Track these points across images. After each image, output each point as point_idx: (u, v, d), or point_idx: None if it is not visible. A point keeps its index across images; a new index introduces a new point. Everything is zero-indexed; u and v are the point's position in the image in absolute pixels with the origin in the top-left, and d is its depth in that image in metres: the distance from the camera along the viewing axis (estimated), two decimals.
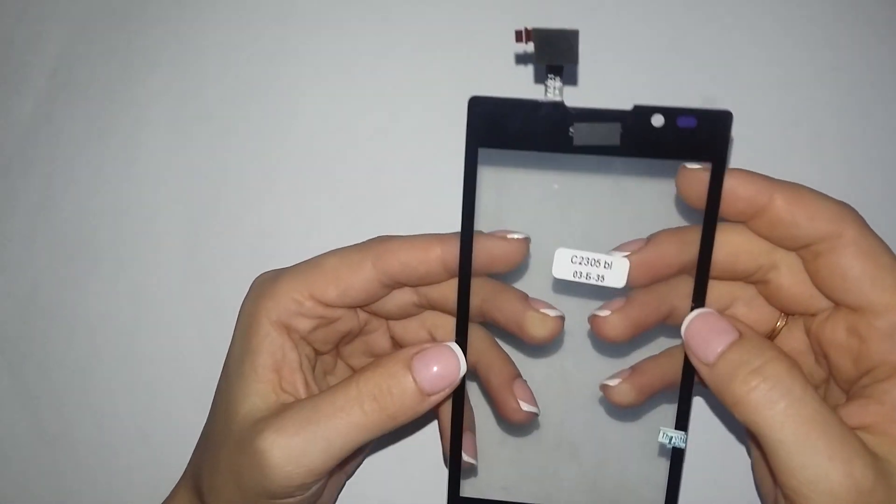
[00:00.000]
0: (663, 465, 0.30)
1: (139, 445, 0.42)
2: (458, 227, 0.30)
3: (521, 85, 0.40)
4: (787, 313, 0.31)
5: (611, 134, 0.28)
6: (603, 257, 0.29)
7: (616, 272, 0.29)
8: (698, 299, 0.29)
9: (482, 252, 0.30)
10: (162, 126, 0.42)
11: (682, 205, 0.30)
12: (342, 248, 0.32)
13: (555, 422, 0.33)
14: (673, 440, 0.30)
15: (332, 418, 0.29)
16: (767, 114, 0.39)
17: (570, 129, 0.28)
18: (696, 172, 0.28)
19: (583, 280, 0.29)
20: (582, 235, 0.30)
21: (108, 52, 0.42)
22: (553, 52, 0.28)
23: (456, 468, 0.31)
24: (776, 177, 0.30)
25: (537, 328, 0.30)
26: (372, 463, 0.40)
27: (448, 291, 0.31)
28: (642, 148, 0.28)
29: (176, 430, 0.42)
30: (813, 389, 0.26)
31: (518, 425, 0.32)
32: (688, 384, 0.30)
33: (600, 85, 0.39)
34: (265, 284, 0.32)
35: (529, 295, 0.31)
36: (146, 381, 0.42)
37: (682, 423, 0.30)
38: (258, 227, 0.42)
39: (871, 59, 0.39)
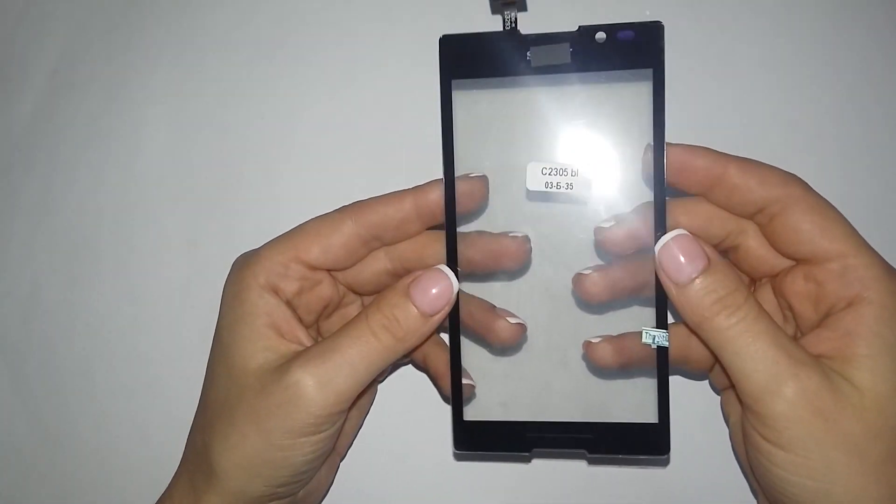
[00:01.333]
0: (650, 367, 0.32)
1: (139, 445, 0.42)
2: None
3: None
4: (758, 278, 0.34)
5: (562, 53, 0.32)
6: (569, 166, 0.32)
7: (583, 180, 0.32)
8: (659, 225, 0.31)
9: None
10: (162, 126, 0.42)
11: (631, 110, 0.32)
12: (321, 215, 0.34)
13: (541, 336, 0.35)
14: (656, 339, 0.32)
15: (351, 347, 0.31)
16: (767, 114, 0.39)
17: (528, 54, 0.32)
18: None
19: (554, 189, 0.32)
20: (549, 148, 0.33)
21: (108, 52, 0.42)
22: None
23: (458, 393, 0.34)
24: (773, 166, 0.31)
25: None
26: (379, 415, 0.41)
27: (420, 249, 0.34)
28: (590, 62, 0.32)
29: (176, 429, 0.42)
30: (767, 313, 0.30)
31: (509, 344, 0.34)
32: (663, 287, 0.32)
33: None
34: (247, 255, 0.34)
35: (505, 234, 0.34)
36: (146, 381, 0.42)
37: (661, 322, 0.32)
38: (258, 226, 0.42)
39: (871, 59, 0.39)
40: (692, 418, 0.38)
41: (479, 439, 0.34)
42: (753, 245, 0.33)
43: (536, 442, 0.33)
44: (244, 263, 0.34)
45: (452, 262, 0.33)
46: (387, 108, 0.41)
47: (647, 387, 0.32)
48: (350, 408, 0.33)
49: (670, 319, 0.32)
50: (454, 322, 0.33)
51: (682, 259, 0.30)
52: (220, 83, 0.42)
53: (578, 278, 0.33)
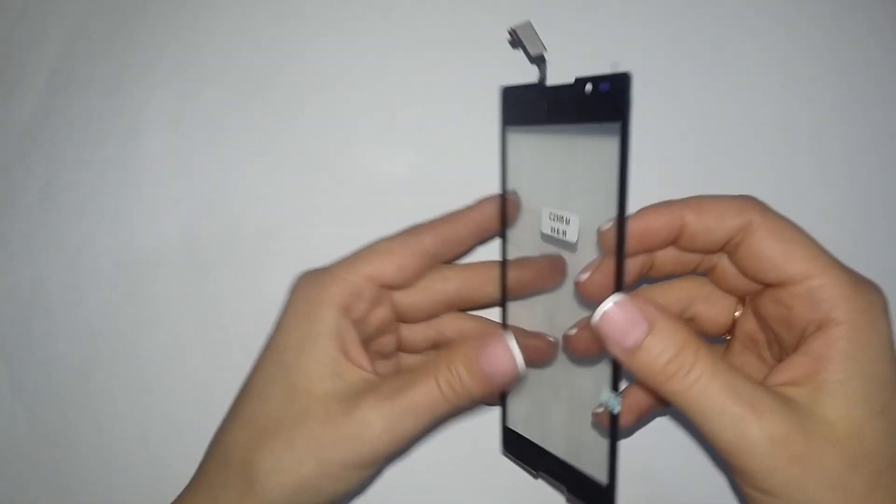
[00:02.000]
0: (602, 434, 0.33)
1: (139, 445, 0.42)
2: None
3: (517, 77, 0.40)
4: (740, 295, 0.34)
5: (567, 105, 0.31)
6: (565, 214, 0.33)
7: (572, 228, 0.33)
8: (616, 283, 0.30)
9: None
10: (162, 125, 0.42)
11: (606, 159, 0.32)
12: (387, 236, 0.35)
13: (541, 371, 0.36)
14: (609, 403, 0.31)
15: (418, 395, 0.31)
16: (767, 114, 0.39)
17: (545, 104, 0.32)
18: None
19: (555, 235, 0.33)
20: (556, 195, 0.34)
21: (108, 52, 0.42)
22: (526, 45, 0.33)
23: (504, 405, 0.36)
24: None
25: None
26: None
27: (481, 282, 0.36)
28: (580, 113, 0.31)
29: (176, 430, 0.42)
30: (723, 362, 0.29)
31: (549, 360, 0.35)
32: None
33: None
34: (318, 273, 0.34)
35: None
36: (146, 382, 0.42)
37: (615, 385, 0.32)
38: (258, 227, 0.42)
39: (871, 59, 0.39)
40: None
41: (515, 447, 0.37)
42: (727, 265, 0.33)
43: (540, 466, 0.36)
44: (317, 281, 0.34)
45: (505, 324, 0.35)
46: (387, 107, 0.41)
47: (601, 447, 0.32)
48: None
49: None
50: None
51: (622, 327, 0.29)
52: (220, 83, 0.42)
53: (565, 339, 0.34)
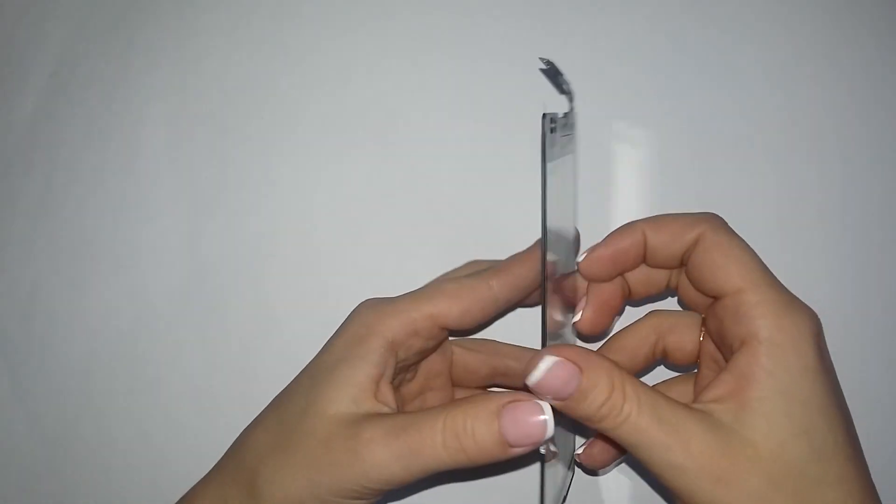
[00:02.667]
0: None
1: (139, 445, 0.42)
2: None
3: (516, 81, 0.40)
4: (699, 310, 0.35)
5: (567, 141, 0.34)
6: (563, 231, 0.34)
7: (563, 242, 0.34)
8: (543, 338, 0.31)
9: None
10: (162, 125, 0.42)
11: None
12: (450, 278, 0.35)
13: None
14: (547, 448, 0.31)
15: (419, 438, 0.30)
16: (768, 114, 0.39)
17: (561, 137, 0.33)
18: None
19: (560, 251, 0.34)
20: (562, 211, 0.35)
21: (108, 52, 0.42)
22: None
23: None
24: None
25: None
26: None
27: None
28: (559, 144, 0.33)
29: (176, 430, 0.42)
30: (649, 395, 0.29)
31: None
32: None
33: (599, 88, 0.39)
34: (381, 303, 0.34)
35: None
36: (146, 381, 0.42)
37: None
38: (258, 227, 0.42)
39: (872, 59, 0.39)
40: None
41: None
42: (685, 282, 0.34)
43: None
44: (378, 310, 0.33)
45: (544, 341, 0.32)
46: (387, 107, 0.41)
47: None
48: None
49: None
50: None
51: (556, 386, 0.29)
52: (220, 83, 0.42)
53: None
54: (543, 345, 0.31)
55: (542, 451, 0.31)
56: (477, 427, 0.30)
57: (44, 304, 0.43)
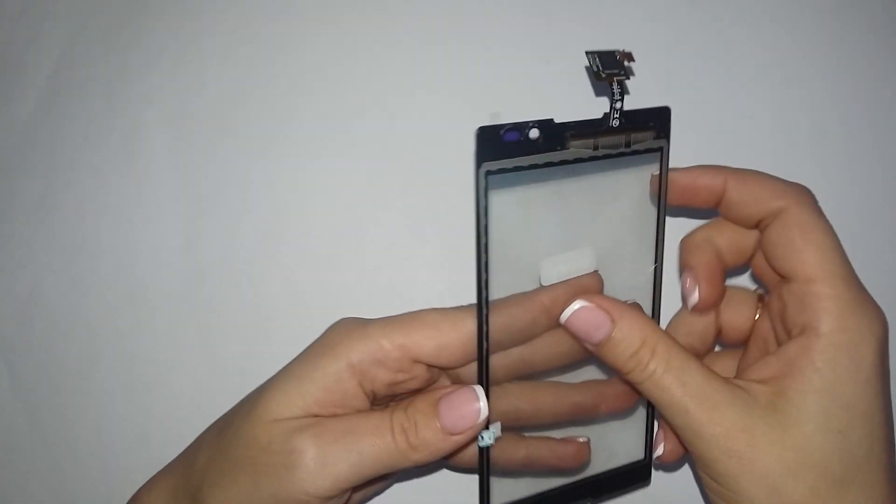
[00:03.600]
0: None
1: (139, 445, 0.42)
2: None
3: (516, 76, 0.40)
4: (771, 284, 0.33)
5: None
6: (573, 255, 0.32)
7: (588, 260, 0.32)
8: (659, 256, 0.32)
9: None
10: (161, 126, 0.42)
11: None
12: (440, 307, 0.32)
13: None
14: (485, 438, 0.31)
15: (365, 437, 0.30)
16: (768, 114, 0.39)
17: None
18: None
19: (567, 277, 0.32)
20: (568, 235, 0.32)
21: (108, 52, 0.42)
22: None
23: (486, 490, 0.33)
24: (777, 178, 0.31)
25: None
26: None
27: (549, 347, 0.33)
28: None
29: (176, 430, 0.42)
30: (680, 358, 0.30)
31: (582, 464, 0.35)
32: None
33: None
34: (354, 325, 0.32)
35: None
36: (146, 382, 0.42)
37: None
38: (258, 227, 0.42)
39: (871, 59, 0.39)
40: None
41: None
42: (760, 254, 0.33)
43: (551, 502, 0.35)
44: (349, 332, 0.31)
45: (485, 381, 0.31)
46: (387, 107, 0.41)
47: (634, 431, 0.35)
48: (350, 496, 0.32)
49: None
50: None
51: (586, 328, 0.31)
52: (220, 83, 0.42)
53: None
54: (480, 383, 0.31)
55: (480, 443, 0.31)
56: (419, 419, 0.30)
57: (44, 304, 0.43)
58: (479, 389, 0.31)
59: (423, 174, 0.41)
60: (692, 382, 0.29)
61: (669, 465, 0.40)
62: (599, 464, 0.35)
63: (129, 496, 0.42)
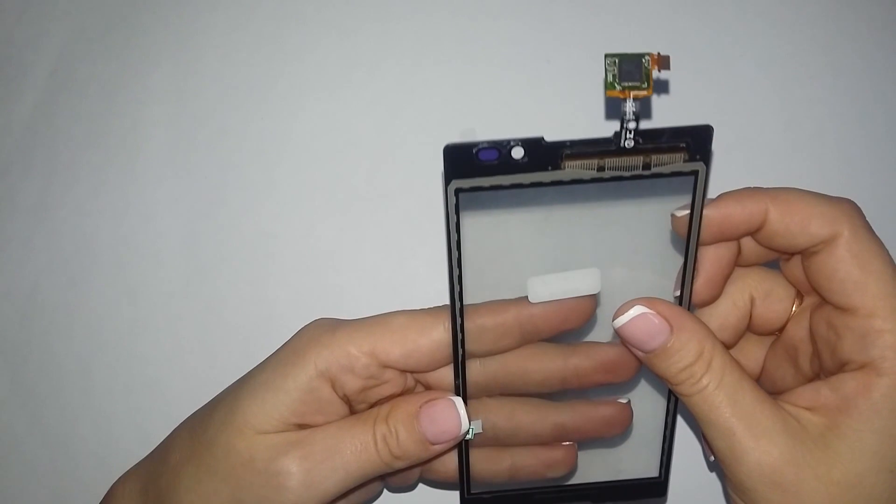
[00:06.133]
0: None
1: (139, 445, 0.42)
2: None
3: (511, 84, 0.40)
4: (804, 293, 0.32)
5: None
6: (571, 275, 0.30)
7: (590, 280, 0.30)
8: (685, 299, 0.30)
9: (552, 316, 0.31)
10: (162, 126, 0.42)
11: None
12: (411, 310, 0.32)
13: None
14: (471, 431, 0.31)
15: (350, 453, 0.30)
16: (768, 114, 0.39)
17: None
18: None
19: (561, 296, 0.30)
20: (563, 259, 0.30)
21: (108, 51, 0.42)
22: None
23: (465, 469, 0.33)
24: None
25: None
26: None
27: (524, 363, 0.32)
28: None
29: None
30: (735, 375, 0.28)
31: (570, 470, 0.34)
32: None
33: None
34: (323, 329, 0.31)
35: None
36: (146, 381, 0.42)
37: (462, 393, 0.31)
38: (258, 227, 0.42)
39: (871, 59, 0.39)
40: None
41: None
42: (800, 268, 0.31)
43: (543, 502, 0.34)
44: (316, 338, 0.31)
45: (463, 392, 0.31)
46: (387, 107, 0.41)
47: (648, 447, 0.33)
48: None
49: None
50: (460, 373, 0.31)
51: (642, 336, 0.29)
52: (220, 83, 0.42)
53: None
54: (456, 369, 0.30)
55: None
56: (400, 430, 0.30)
57: (44, 304, 0.43)
58: (458, 401, 0.31)
59: (423, 174, 0.41)
60: (743, 403, 0.28)
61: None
62: (602, 474, 0.34)
63: None
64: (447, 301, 0.30)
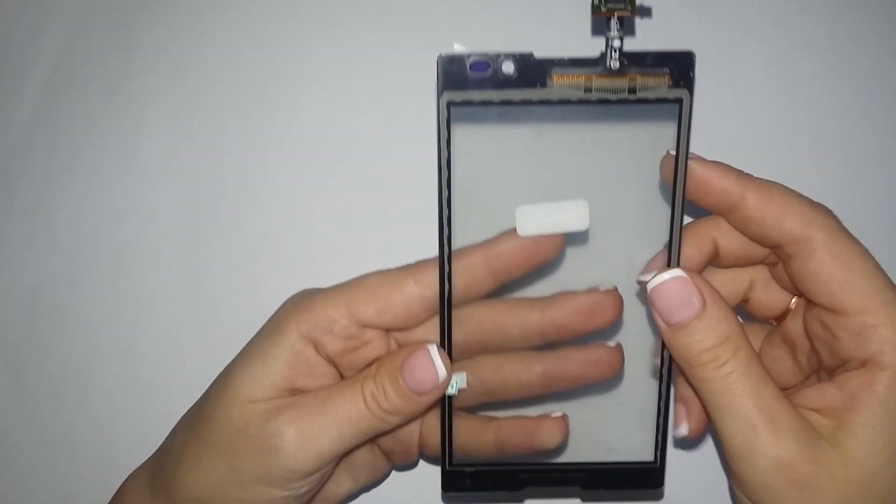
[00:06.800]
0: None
1: (139, 445, 0.42)
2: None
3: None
4: (796, 295, 0.32)
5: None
6: (560, 206, 0.29)
7: (578, 215, 0.29)
8: (673, 259, 0.29)
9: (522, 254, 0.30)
10: (162, 126, 0.42)
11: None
12: (385, 269, 0.32)
13: None
14: (455, 385, 0.31)
15: (341, 410, 0.30)
16: (768, 114, 0.39)
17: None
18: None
19: (549, 231, 0.29)
20: (557, 185, 0.30)
21: (108, 51, 0.42)
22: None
23: (447, 440, 0.32)
24: (775, 178, 0.30)
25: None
26: None
27: (500, 317, 0.32)
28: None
29: None
30: (758, 368, 0.28)
31: (559, 444, 0.33)
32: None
33: None
34: (301, 297, 0.33)
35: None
36: (146, 381, 0.42)
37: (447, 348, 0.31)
38: (258, 227, 0.42)
39: (871, 60, 0.39)
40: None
41: (470, 482, 0.33)
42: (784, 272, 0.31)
43: (530, 481, 0.33)
44: (295, 305, 0.32)
45: (447, 339, 0.31)
46: (387, 107, 0.41)
47: (643, 427, 0.32)
48: (334, 469, 0.32)
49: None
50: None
51: (674, 303, 0.28)
52: (220, 83, 0.42)
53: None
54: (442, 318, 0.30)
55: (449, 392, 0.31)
56: (386, 385, 0.30)
57: (44, 304, 0.43)
58: (433, 347, 0.30)
59: (423, 174, 0.41)
60: (765, 397, 0.27)
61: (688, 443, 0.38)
62: (593, 453, 0.33)
63: None
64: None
